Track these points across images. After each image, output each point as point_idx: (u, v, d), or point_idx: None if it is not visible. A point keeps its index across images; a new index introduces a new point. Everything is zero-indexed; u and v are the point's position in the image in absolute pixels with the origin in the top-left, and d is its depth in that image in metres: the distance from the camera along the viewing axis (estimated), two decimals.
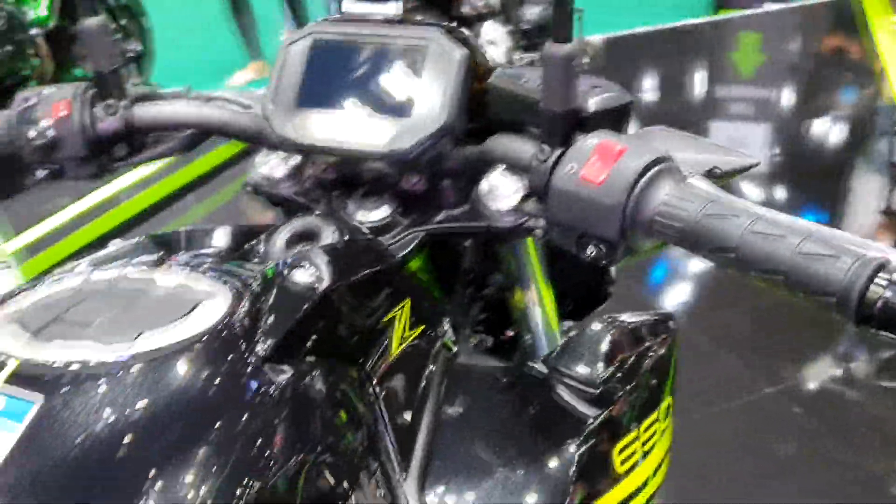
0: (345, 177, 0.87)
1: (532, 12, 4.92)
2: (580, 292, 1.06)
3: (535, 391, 0.75)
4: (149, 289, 0.60)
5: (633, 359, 0.79)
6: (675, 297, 3.10)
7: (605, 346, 0.79)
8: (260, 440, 0.50)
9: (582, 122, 0.67)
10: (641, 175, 0.61)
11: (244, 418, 0.50)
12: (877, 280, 0.51)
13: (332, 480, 0.53)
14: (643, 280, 3.07)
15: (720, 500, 2.03)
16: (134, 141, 0.89)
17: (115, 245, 0.71)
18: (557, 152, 0.66)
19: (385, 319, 0.69)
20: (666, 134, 0.89)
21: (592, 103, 0.68)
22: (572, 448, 0.69)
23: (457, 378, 0.74)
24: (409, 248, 0.83)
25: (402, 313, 0.72)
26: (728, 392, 2.41)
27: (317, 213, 0.82)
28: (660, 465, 0.78)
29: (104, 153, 0.87)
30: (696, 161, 0.87)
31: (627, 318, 0.84)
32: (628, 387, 0.76)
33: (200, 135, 0.91)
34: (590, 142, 0.64)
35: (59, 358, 0.51)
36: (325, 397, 0.57)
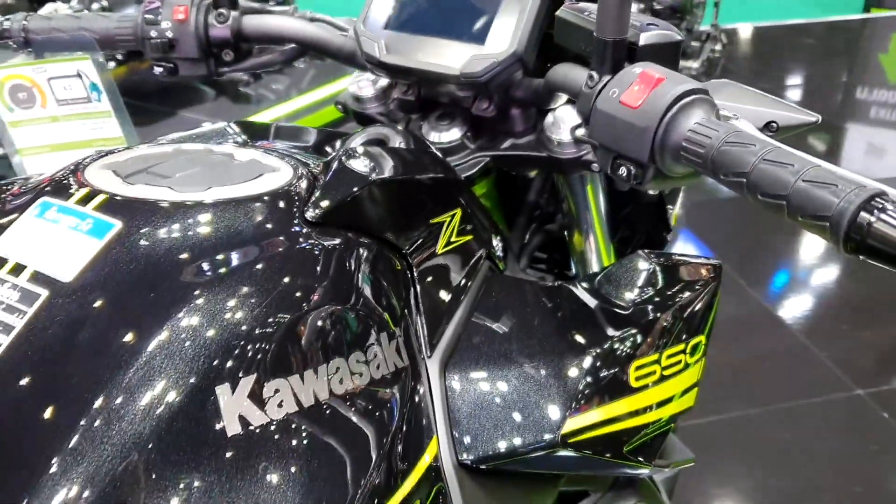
0: (423, 99, 0.94)
1: None
2: (639, 237, 1.10)
3: (568, 304, 0.80)
4: (226, 159, 0.69)
5: (669, 291, 0.83)
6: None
7: (645, 275, 0.83)
8: (299, 285, 0.58)
9: (632, 55, 0.72)
10: (675, 103, 0.65)
11: (282, 265, 0.58)
12: (867, 208, 0.54)
13: (360, 334, 0.61)
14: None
15: None
16: (241, 49, 0.99)
17: (207, 125, 0.81)
18: (605, 79, 0.70)
19: (433, 221, 0.76)
20: (732, 87, 0.92)
21: (643, 37, 0.72)
22: (591, 353, 0.74)
23: (496, 284, 0.81)
24: (473, 170, 0.90)
25: (451, 220, 0.78)
26: None
27: (391, 125, 0.89)
28: (676, 396, 0.82)
29: (213, 57, 0.97)
30: (755, 114, 0.90)
31: (676, 256, 0.88)
32: (659, 315, 0.80)
33: (300, 51, 1.00)
34: (634, 70, 0.68)
35: (139, 195, 0.60)
36: (365, 267, 0.64)
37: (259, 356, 0.53)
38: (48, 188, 0.62)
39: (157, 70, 0.97)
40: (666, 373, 0.79)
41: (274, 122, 0.86)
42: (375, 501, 0.57)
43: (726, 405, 2.32)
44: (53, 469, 0.47)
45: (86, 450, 0.47)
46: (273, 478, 0.51)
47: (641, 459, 0.78)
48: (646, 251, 0.87)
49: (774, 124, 0.89)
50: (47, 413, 0.49)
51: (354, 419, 0.57)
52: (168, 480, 0.48)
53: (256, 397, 0.52)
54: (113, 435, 0.48)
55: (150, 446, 0.48)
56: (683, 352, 0.82)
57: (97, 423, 0.48)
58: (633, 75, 0.68)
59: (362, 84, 0.98)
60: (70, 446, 0.47)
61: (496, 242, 0.86)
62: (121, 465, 0.47)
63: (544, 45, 0.85)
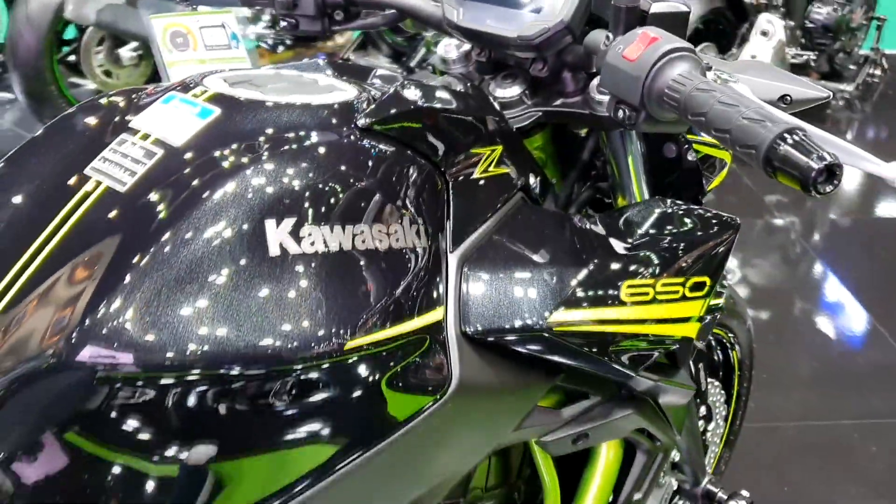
0: (493, 61, 1.11)
1: (820, 12, 4.88)
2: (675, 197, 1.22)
3: (583, 230, 0.94)
4: (310, 80, 0.90)
5: (676, 230, 0.96)
6: None
7: (657, 215, 0.96)
8: (338, 165, 0.77)
9: (643, 21, 0.86)
10: (662, 57, 0.80)
11: (329, 149, 0.77)
12: (782, 137, 0.67)
13: (383, 211, 0.78)
14: None
15: None
16: (350, 11, 1.19)
17: (306, 61, 1.01)
18: (617, 39, 0.86)
19: (473, 150, 0.92)
20: (760, 64, 1.04)
21: (654, 6, 0.86)
22: (590, 267, 0.88)
23: (524, 210, 0.95)
24: (526, 122, 1.06)
25: (491, 154, 0.95)
26: None
27: (460, 77, 1.07)
28: (670, 321, 0.94)
29: (327, 16, 1.18)
30: (772, 87, 1.02)
31: (693, 207, 1.01)
32: (660, 246, 0.93)
33: (398, 16, 1.20)
34: (637, 31, 0.83)
35: (236, 95, 0.81)
36: (400, 167, 0.81)
37: (300, 206, 0.73)
38: (177, 87, 0.84)
39: (282, 24, 1.19)
40: (659, 297, 0.92)
41: (355, 62, 1.06)
42: (380, 325, 0.74)
43: None
44: (148, 269, 0.68)
45: (176, 253, 0.68)
46: (294, 294, 0.71)
47: (627, 364, 0.92)
48: (665, 198, 1.01)
49: (788, 97, 1.01)
50: (153, 227, 0.70)
51: (370, 269, 0.75)
52: (225, 278, 0.68)
53: (294, 234, 0.72)
54: (196, 243, 0.69)
55: (217, 255, 0.69)
56: (682, 284, 0.95)
57: (187, 234, 0.69)
58: (636, 35, 0.83)
59: (448, 49, 1.16)
60: (163, 251, 0.68)
61: (533, 181, 1.00)
62: (198, 266, 0.68)
63: (593, 17, 1.01)
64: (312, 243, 0.72)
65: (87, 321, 0.65)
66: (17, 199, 0.77)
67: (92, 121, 0.82)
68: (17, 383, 0.64)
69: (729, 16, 4.19)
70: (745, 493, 1.60)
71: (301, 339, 0.69)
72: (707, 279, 0.97)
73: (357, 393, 0.73)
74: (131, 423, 0.64)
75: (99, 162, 0.76)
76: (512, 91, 1.07)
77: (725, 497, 1.59)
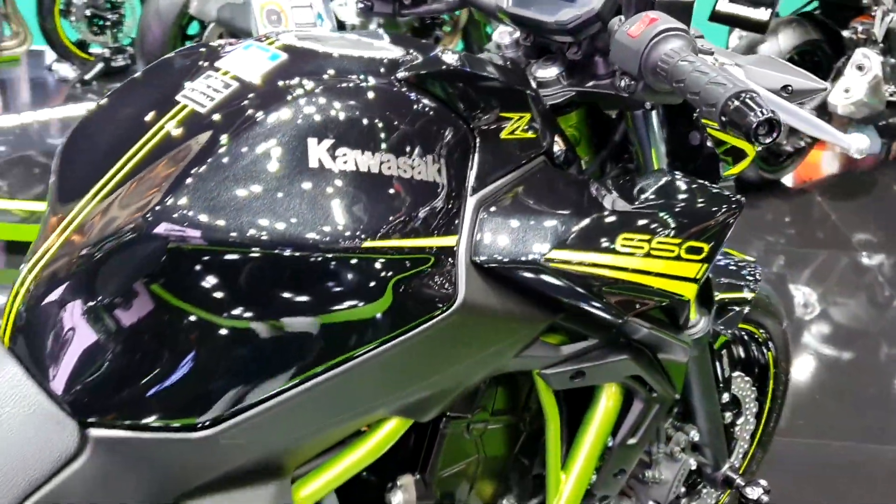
0: (537, 45, 1.26)
1: None
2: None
3: (593, 190, 1.07)
4: (366, 42, 1.08)
5: (679, 197, 1.07)
6: None
7: (664, 182, 1.09)
8: (373, 109, 0.93)
9: (652, 7, 1.00)
10: (658, 34, 0.93)
11: (367, 93, 0.94)
12: (736, 96, 0.80)
13: (408, 147, 0.93)
14: None
15: None
16: None
17: (367, 30, 1.20)
18: (626, 20, 1.00)
19: (502, 114, 1.05)
20: (767, 58, 1.17)
21: None
22: (591, 217, 1.01)
23: (545, 169, 1.08)
24: (560, 100, 1.20)
25: (520, 119, 1.07)
26: None
27: (505, 56, 1.23)
28: (661, 276, 1.04)
29: (397, 1, 1.36)
30: (773, 77, 1.14)
31: (701, 182, 1.12)
32: (661, 211, 1.04)
33: (460, 3, 1.36)
34: (642, 14, 0.97)
35: (302, 45, 1.00)
36: (430, 116, 0.96)
37: (338, 131, 0.90)
38: (257, 38, 1.03)
39: (359, 6, 1.37)
40: (653, 252, 1.03)
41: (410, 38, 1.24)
42: (396, 235, 0.90)
43: None
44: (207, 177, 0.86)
45: (237, 156, 0.87)
46: (325, 198, 0.87)
47: (618, 308, 1.05)
48: (676, 171, 1.13)
49: (790, 87, 1.13)
50: (221, 137, 0.88)
51: (392, 191, 0.91)
52: (273, 180, 0.86)
53: (331, 152, 0.89)
54: (253, 151, 0.87)
55: (268, 161, 0.87)
56: (678, 245, 1.05)
57: (247, 144, 0.87)
58: (640, 16, 0.97)
59: (503, 35, 1.32)
60: (228, 154, 0.87)
61: (558, 151, 1.12)
62: (252, 168, 0.86)
63: None
64: (345, 162, 0.89)
65: (165, 204, 0.84)
66: (123, 116, 0.97)
67: (185, 62, 1.02)
68: (113, 248, 0.85)
69: (826, 49, 4.19)
70: (762, 482, 1.68)
71: (328, 234, 0.86)
72: (705, 246, 1.08)
73: (371, 287, 0.89)
74: (194, 283, 0.84)
75: (187, 91, 0.96)
76: (550, 72, 1.19)
77: (743, 484, 1.68)
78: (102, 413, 0.86)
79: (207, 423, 0.87)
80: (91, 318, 0.85)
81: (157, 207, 0.84)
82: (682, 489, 1.69)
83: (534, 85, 1.16)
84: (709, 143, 1.24)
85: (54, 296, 0.87)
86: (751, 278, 1.61)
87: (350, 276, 0.88)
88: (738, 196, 1.14)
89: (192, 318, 0.84)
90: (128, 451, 0.87)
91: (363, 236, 0.88)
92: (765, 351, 1.85)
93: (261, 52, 0.98)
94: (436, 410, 1.07)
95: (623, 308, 1.06)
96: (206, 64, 0.99)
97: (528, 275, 0.99)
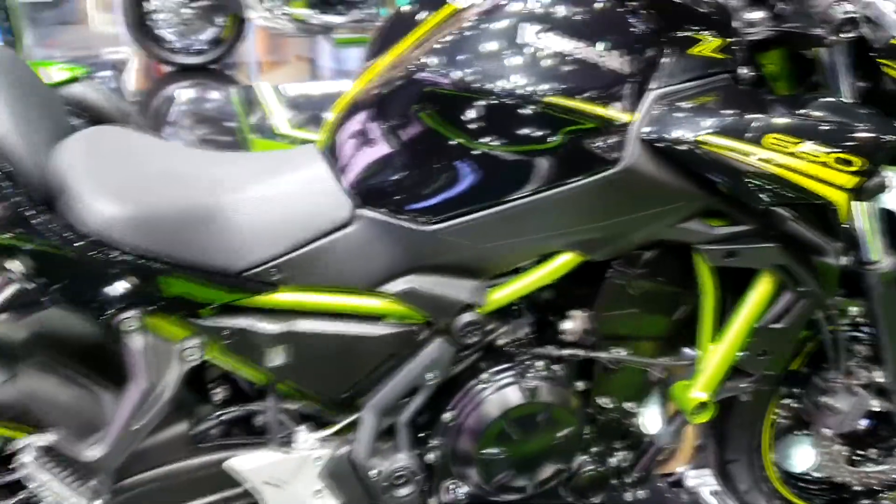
0: None
1: None
2: None
3: (767, 100, 1.27)
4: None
5: (839, 118, 1.23)
6: None
7: (831, 104, 1.26)
8: (582, 16, 1.22)
9: None
10: None
11: (578, 4, 1.22)
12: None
13: (607, 51, 1.19)
14: None
15: None
16: None
17: None
18: None
19: (694, 35, 1.23)
20: None
21: None
22: (751, 114, 1.21)
23: (726, 82, 1.26)
24: (759, 36, 1.28)
25: (710, 42, 1.23)
26: None
27: None
28: (806, 176, 1.20)
29: None
30: None
31: (873, 110, 1.26)
32: (816, 122, 1.21)
33: None
34: None
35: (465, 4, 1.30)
36: (631, 25, 1.22)
37: (546, 19, 1.22)
38: None
39: None
40: (798, 154, 1.19)
41: None
42: (578, 98, 1.19)
43: None
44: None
45: (479, 30, 1.23)
46: (526, 64, 1.21)
47: (760, 194, 1.21)
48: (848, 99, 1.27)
49: None
50: (472, 18, 1.24)
51: (580, 69, 1.20)
52: (496, 47, 1.23)
53: (537, 34, 1.19)
54: (490, 27, 1.24)
55: (492, 34, 1.23)
56: (827, 154, 1.19)
57: (487, 23, 1.24)
58: None
59: None
60: (475, 28, 1.24)
61: (745, 74, 1.26)
62: (484, 37, 1.23)
63: None
64: (546, 42, 1.19)
65: (423, 62, 1.24)
66: (413, 12, 1.36)
67: None
68: (391, 88, 1.27)
69: None
70: None
71: (526, 87, 1.19)
72: (857, 160, 1.20)
73: (556, 135, 1.19)
74: (440, 113, 1.22)
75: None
76: (756, 15, 1.30)
77: None
78: (371, 200, 1.27)
79: (436, 220, 1.25)
80: (374, 133, 1.26)
81: (419, 62, 1.24)
82: (875, 451, 1.71)
83: (738, 24, 1.28)
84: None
85: (353, 116, 1.31)
86: None
87: (540, 122, 1.19)
88: None
89: (437, 138, 1.22)
90: (381, 230, 1.27)
91: (547, 93, 1.18)
92: None
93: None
94: (602, 252, 1.33)
95: (767, 196, 1.22)
96: None
97: (685, 153, 1.20)
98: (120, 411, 1.20)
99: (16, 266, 1.11)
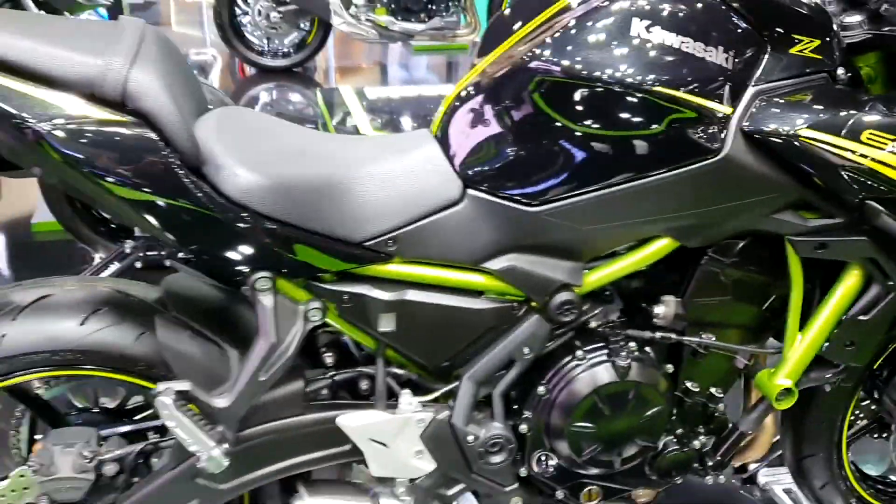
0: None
1: None
2: None
3: (865, 99, 1.33)
4: None
5: None
6: None
7: None
8: (691, 16, 1.29)
9: None
10: None
11: (688, 4, 1.30)
12: None
13: (713, 47, 1.27)
14: None
15: None
16: None
17: None
18: None
19: (794, 35, 1.31)
20: None
21: None
22: (849, 112, 1.29)
23: (825, 82, 1.32)
24: (856, 39, 1.36)
25: (809, 42, 1.30)
26: None
27: None
28: None
29: None
30: None
31: None
32: None
33: None
34: None
35: None
36: (733, 24, 1.30)
37: (656, 15, 1.29)
38: None
39: None
40: (894, 150, 1.25)
41: None
42: (681, 90, 1.27)
43: None
44: None
45: (585, 27, 1.31)
46: (633, 53, 1.27)
47: (855, 188, 1.28)
48: None
49: None
50: (583, 15, 1.31)
51: (684, 62, 1.27)
52: (609, 37, 1.29)
53: (646, 29, 1.28)
54: (597, 23, 1.31)
55: (602, 29, 1.30)
56: None
57: (595, 20, 1.30)
58: None
59: None
60: (582, 24, 1.31)
61: (842, 74, 1.33)
62: (597, 30, 1.29)
63: None
64: (655, 36, 1.28)
65: (535, 52, 1.32)
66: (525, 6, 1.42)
67: None
68: (504, 75, 1.34)
69: None
70: None
71: (636, 76, 1.27)
72: None
73: (659, 122, 1.26)
74: (552, 99, 1.30)
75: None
76: (854, 18, 1.38)
77: None
78: (479, 181, 1.35)
79: (540, 202, 1.33)
80: (485, 119, 1.35)
81: (532, 53, 1.32)
82: None
83: (835, 27, 1.33)
84: None
85: (466, 103, 1.39)
86: None
87: (646, 110, 1.27)
88: None
89: (545, 124, 1.30)
90: (487, 209, 1.35)
91: (654, 83, 1.26)
92: None
93: None
94: (698, 239, 1.39)
95: (861, 189, 1.28)
96: None
97: (782, 145, 1.27)
98: (248, 364, 1.31)
99: (157, 224, 1.22)
